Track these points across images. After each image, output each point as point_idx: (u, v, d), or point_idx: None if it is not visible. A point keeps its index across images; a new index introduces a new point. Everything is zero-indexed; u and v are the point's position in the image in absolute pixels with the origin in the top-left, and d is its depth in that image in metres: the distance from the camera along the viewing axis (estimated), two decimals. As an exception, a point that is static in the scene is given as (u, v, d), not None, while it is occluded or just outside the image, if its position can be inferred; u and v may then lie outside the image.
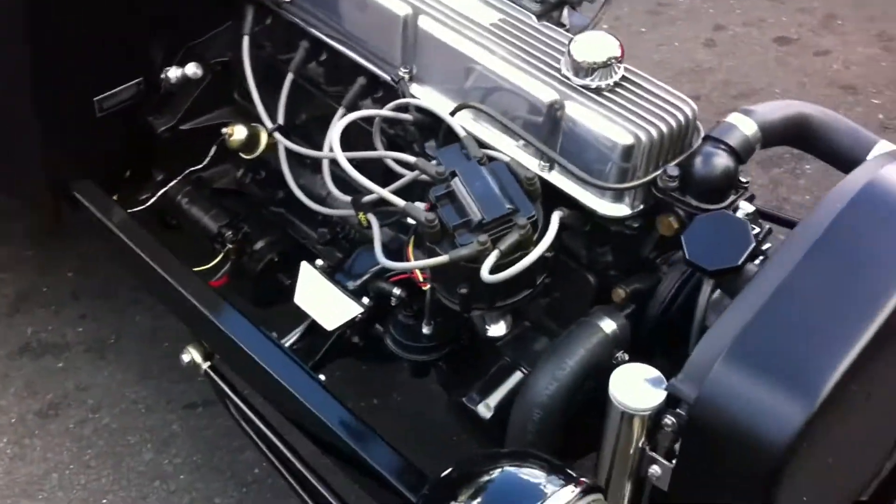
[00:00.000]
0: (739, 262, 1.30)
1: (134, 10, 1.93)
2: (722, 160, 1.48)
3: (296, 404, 1.65)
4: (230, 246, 2.03)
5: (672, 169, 1.48)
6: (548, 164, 1.56)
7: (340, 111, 1.78)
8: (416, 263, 1.49)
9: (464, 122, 1.62)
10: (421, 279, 1.61)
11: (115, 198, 2.08)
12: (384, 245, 1.61)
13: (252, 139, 2.00)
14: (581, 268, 1.62)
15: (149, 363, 2.32)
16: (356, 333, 1.80)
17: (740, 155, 1.49)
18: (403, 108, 1.67)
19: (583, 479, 1.22)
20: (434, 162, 1.55)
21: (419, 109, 1.66)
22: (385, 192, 1.58)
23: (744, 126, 1.51)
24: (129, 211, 2.07)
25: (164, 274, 1.89)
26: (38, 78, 1.90)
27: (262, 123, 1.93)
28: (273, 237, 2.05)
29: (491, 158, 1.55)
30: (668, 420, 1.23)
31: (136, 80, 2.03)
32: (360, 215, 1.70)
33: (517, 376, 1.65)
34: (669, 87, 1.53)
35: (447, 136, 1.63)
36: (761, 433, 1.14)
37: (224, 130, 1.99)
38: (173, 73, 2.04)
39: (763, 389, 1.16)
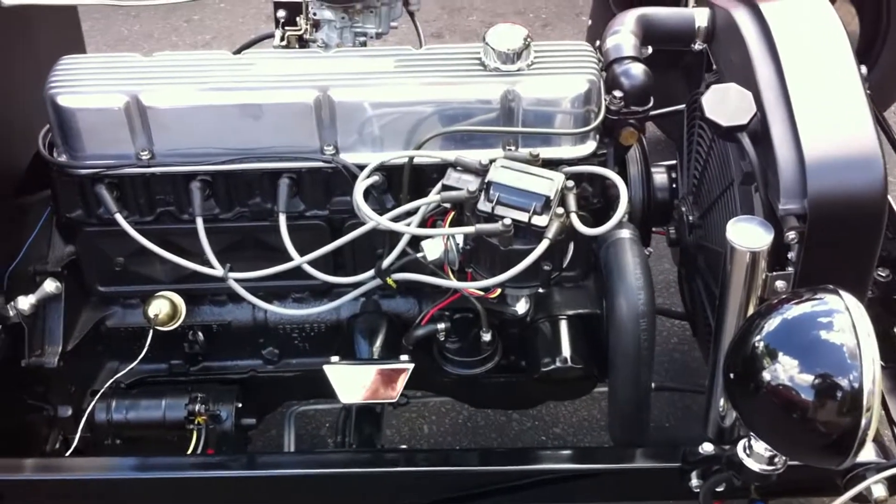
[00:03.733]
0: (747, 122, 1.67)
1: None
2: (638, 69, 1.83)
3: (467, 476, 1.72)
4: (202, 418, 1.90)
5: (616, 93, 1.80)
6: (513, 146, 1.78)
7: (283, 217, 1.78)
8: (530, 258, 1.61)
9: (418, 159, 1.76)
10: (480, 292, 1.74)
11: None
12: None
13: (174, 308, 1.88)
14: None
15: None
16: None
17: (640, 60, 1.86)
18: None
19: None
20: (436, 195, 1.68)
21: (380, 168, 1.75)
22: (437, 231, 1.68)
23: (625, 40, 1.87)
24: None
25: (170, 474, 1.78)
26: None
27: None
28: (223, 388, 1.97)
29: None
30: (791, 235, 1.59)
31: None
32: (389, 280, 1.76)
33: (564, 324, 1.88)
34: (562, 40, 1.84)
35: (413, 176, 1.76)
36: (864, 194, 1.56)
37: (150, 313, 1.84)
38: (23, 302, 1.82)
39: (846, 170, 1.57)
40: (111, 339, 1.95)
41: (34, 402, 1.88)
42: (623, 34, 1.88)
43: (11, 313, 1.81)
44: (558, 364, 1.84)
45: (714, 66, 1.99)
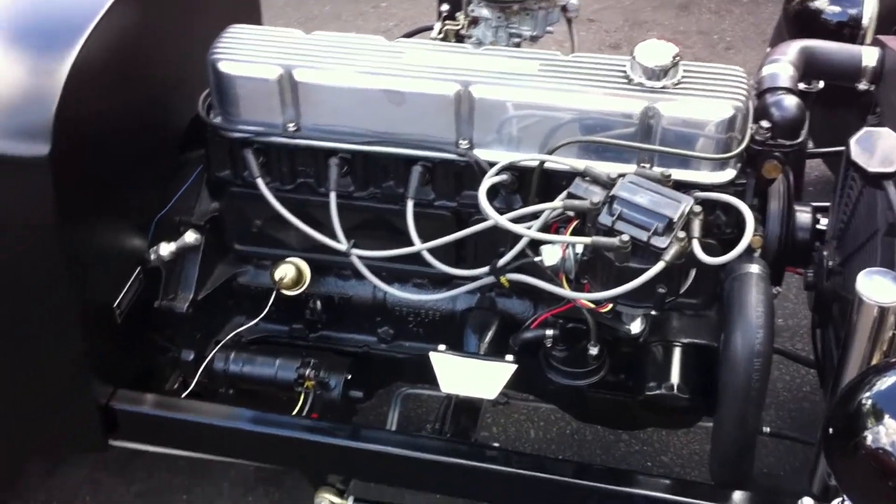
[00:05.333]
0: (894, 170, 1.59)
1: (108, 207, 1.82)
2: (791, 101, 1.77)
3: (556, 485, 1.73)
4: (311, 383, 1.98)
5: (764, 123, 1.74)
6: (647, 164, 1.75)
7: (410, 203, 1.83)
8: (642, 278, 1.59)
9: (549, 164, 1.76)
10: (592, 305, 1.73)
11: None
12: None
13: (299, 274, 1.96)
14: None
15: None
16: None
17: (796, 93, 1.80)
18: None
19: None
20: (560, 202, 1.68)
21: (510, 168, 1.77)
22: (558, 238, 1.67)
23: (782, 70, 1.82)
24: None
25: (274, 430, 1.85)
26: (76, 306, 1.74)
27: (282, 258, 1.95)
28: (336, 358, 2.04)
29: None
30: None
31: (137, 272, 1.90)
32: (502, 278, 1.78)
33: (677, 352, 1.84)
34: (716, 63, 1.80)
35: (543, 180, 1.76)
36: None
37: (276, 276, 1.93)
38: (164, 249, 1.94)
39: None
40: (240, 295, 2.05)
41: (161, 342, 2.00)
42: (782, 64, 1.82)
43: (153, 257, 1.92)
44: (664, 390, 1.80)
45: (878, 109, 1.90)
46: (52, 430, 1.94)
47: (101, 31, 1.65)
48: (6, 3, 1.71)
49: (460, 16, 2.00)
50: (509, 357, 1.84)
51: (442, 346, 1.86)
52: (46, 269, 1.67)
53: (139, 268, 1.90)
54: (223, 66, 1.83)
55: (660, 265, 1.58)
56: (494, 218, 1.67)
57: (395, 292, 1.91)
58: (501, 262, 1.76)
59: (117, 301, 1.82)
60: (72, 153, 1.58)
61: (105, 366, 1.86)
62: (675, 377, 1.81)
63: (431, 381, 1.89)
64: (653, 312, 1.75)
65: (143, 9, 1.81)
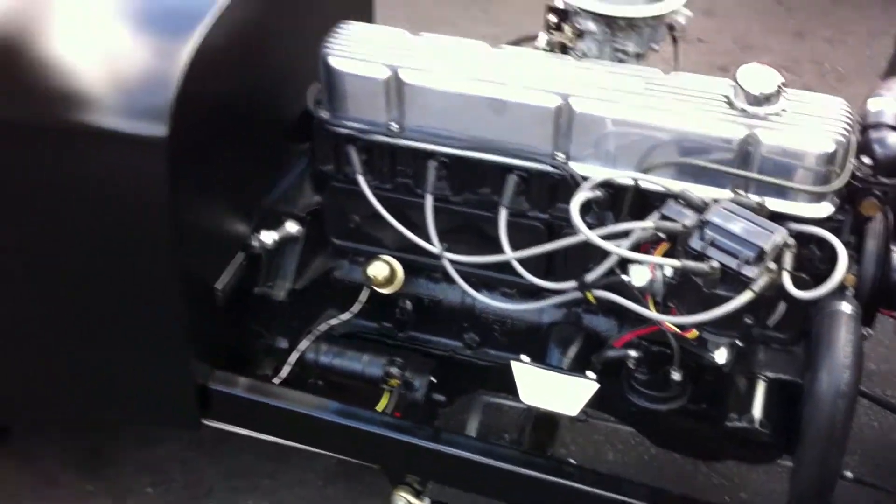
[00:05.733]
0: None
1: (217, 191, 1.89)
2: (894, 139, 1.74)
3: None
4: (396, 382, 2.02)
5: (866, 159, 1.72)
6: (742, 191, 1.74)
7: (504, 211, 1.85)
8: (729, 306, 1.59)
9: (643, 183, 1.76)
10: (677, 329, 1.73)
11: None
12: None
13: (392, 273, 2.01)
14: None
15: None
16: None
17: None
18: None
19: None
20: (651, 222, 1.69)
21: (604, 184, 1.78)
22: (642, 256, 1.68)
23: (889, 106, 1.79)
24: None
25: (360, 425, 1.89)
26: (181, 284, 1.82)
27: (378, 257, 2.01)
28: (421, 360, 2.07)
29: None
30: None
31: (239, 256, 1.97)
32: (588, 294, 1.79)
33: (761, 385, 1.82)
34: (822, 94, 1.78)
35: (636, 198, 1.77)
36: None
37: (369, 272, 1.98)
38: (266, 236, 1.99)
39: None
40: (335, 289, 2.10)
41: (257, 328, 2.06)
42: (888, 100, 1.79)
43: (255, 244, 1.99)
44: (745, 423, 1.78)
45: None
46: (150, 402, 2.02)
47: (223, 20, 1.72)
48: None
49: (567, 28, 2.01)
50: (591, 375, 1.85)
51: (525, 357, 1.88)
52: (155, 245, 1.74)
53: (241, 253, 1.96)
54: (334, 62, 1.89)
55: (748, 294, 1.57)
56: (585, 233, 1.68)
57: (484, 299, 1.94)
58: (589, 277, 1.77)
59: (220, 283, 1.89)
60: (187, 135, 1.65)
61: (204, 346, 1.93)
62: (757, 411, 1.78)
63: (513, 391, 1.91)
64: (738, 343, 1.74)
65: (262, 0, 1.87)
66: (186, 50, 1.65)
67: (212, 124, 1.78)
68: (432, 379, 2.04)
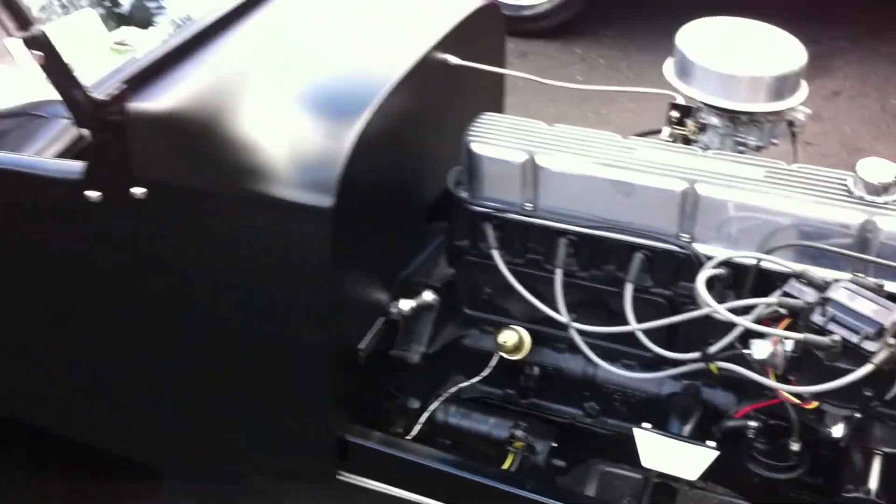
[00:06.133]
0: None
1: (368, 260, 2.08)
2: None
3: None
4: (520, 444, 2.14)
5: None
6: (861, 274, 1.85)
7: (629, 287, 1.99)
8: (851, 377, 1.68)
9: (765, 264, 1.88)
10: (796, 400, 1.83)
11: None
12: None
13: (520, 341, 2.15)
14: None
15: None
16: None
17: None
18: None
19: None
20: (776, 298, 1.80)
21: (727, 263, 1.91)
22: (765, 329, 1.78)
23: None
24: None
25: (493, 482, 2.02)
26: (330, 342, 2.00)
27: (508, 326, 2.15)
28: (544, 425, 2.19)
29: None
30: None
31: (379, 321, 2.14)
32: (712, 365, 1.90)
33: (878, 460, 1.88)
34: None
35: (758, 278, 1.89)
36: None
37: (500, 340, 2.13)
38: (405, 304, 2.16)
39: None
40: (464, 355, 2.26)
41: (391, 388, 2.22)
42: None
43: (393, 311, 2.15)
44: (861, 494, 1.85)
45: None
46: (290, 453, 2.18)
47: (383, 109, 1.94)
48: (311, 77, 2.03)
49: (690, 122, 2.18)
50: (711, 443, 1.94)
51: (647, 424, 1.99)
52: (312, 305, 1.93)
53: (382, 318, 2.14)
54: (476, 147, 2.08)
55: (868, 367, 1.66)
56: (713, 305, 1.80)
57: (609, 367, 2.06)
58: (713, 348, 1.88)
59: (362, 344, 2.06)
60: (348, 207, 1.84)
61: (345, 401, 2.09)
62: (873, 483, 1.85)
63: (630, 461, 2.01)
64: (857, 415, 1.82)
65: (415, 93, 2.09)
66: (352, 133, 1.87)
67: (368, 200, 1.98)
68: (553, 444, 2.15)
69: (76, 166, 1.85)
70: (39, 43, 1.64)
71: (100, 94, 1.70)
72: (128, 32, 3.14)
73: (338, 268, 1.91)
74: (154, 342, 2.10)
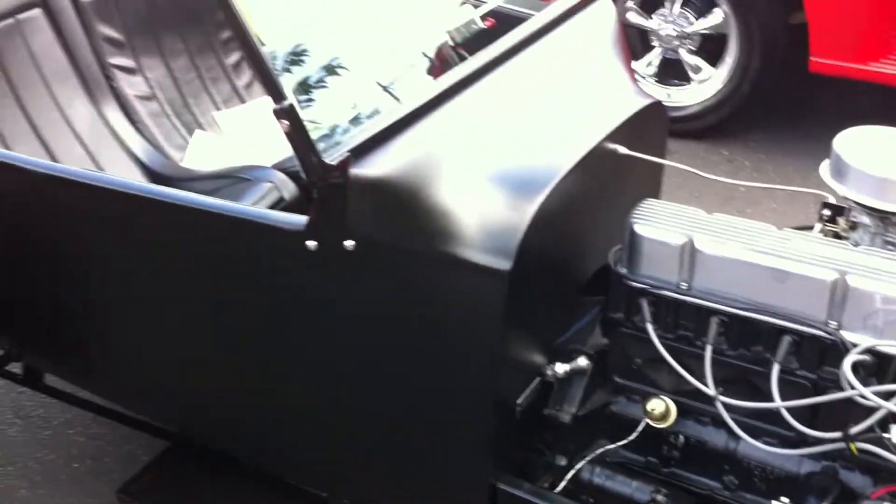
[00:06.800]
0: None
1: (531, 322, 2.29)
2: None
3: None
4: (660, 509, 2.29)
5: None
6: None
7: (776, 367, 2.13)
8: None
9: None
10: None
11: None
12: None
13: (667, 411, 2.32)
14: None
15: None
16: None
17: None
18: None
19: None
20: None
21: (872, 351, 2.04)
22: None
23: None
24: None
25: None
26: (492, 395, 2.21)
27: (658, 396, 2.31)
28: (684, 495, 2.33)
29: None
30: None
31: (536, 381, 2.34)
32: (851, 446, 2.03)
33: None
34: None
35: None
36: None
37: (648, 407, 2.30)
38: (560, 367, 2.36)
39: None
40: (610, 421, 2.42)
41: (540, 444, 2.41)
42: None
43: (549, 372, 2.36)
44: None
45: None
46: (446, 495, 2.38)
47: (558, 188, 2.19)
48: (501, 156, 2.30)
49: (841, 220, 2.33)
50: None
51: (785, 499, 2.11)
52: (480, 357, 2.15)
53: (538, 378, 2.34)
54: (638, 228, 2.28)
55: None
56: (859, 388, 1.93)
57: (753, 442, 2.19)
58: (855, 429, 2.01)
59: (520, 399, 2.26)
60: (523, 272, 2.07)
61: (500, 451, 2.29)
62: None
63: None
64: None
65: (587, 177, 2.32)
66: (532, 207, 2.13)
67: (539, 268, 2.21)
68: None
69: (300, 219, 2.15)
70: (287, 113, 1.95)
71: (329, 160, 1.99)
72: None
73: (507, 325, 2.13)
74: (337, 379, 2.36)
